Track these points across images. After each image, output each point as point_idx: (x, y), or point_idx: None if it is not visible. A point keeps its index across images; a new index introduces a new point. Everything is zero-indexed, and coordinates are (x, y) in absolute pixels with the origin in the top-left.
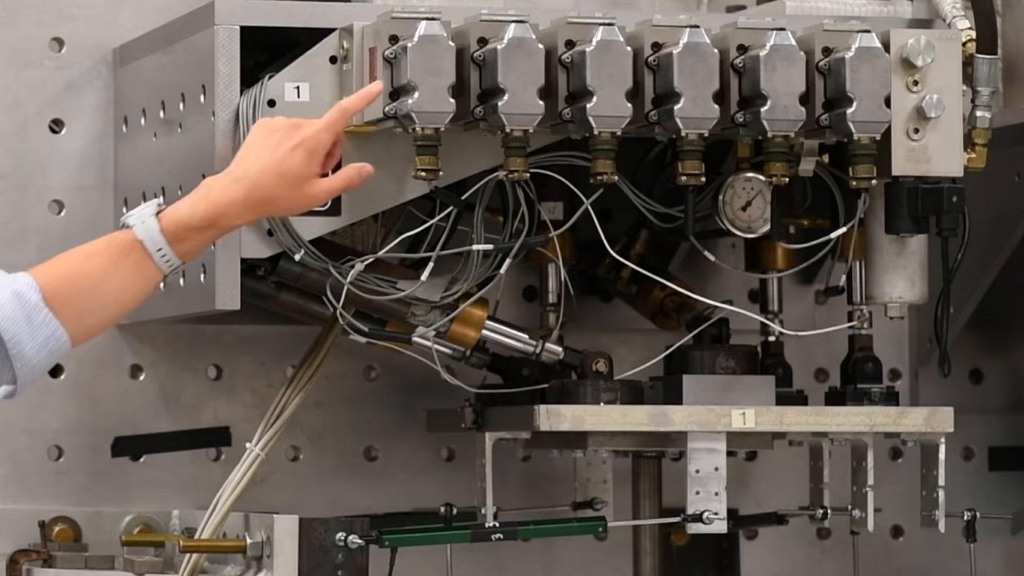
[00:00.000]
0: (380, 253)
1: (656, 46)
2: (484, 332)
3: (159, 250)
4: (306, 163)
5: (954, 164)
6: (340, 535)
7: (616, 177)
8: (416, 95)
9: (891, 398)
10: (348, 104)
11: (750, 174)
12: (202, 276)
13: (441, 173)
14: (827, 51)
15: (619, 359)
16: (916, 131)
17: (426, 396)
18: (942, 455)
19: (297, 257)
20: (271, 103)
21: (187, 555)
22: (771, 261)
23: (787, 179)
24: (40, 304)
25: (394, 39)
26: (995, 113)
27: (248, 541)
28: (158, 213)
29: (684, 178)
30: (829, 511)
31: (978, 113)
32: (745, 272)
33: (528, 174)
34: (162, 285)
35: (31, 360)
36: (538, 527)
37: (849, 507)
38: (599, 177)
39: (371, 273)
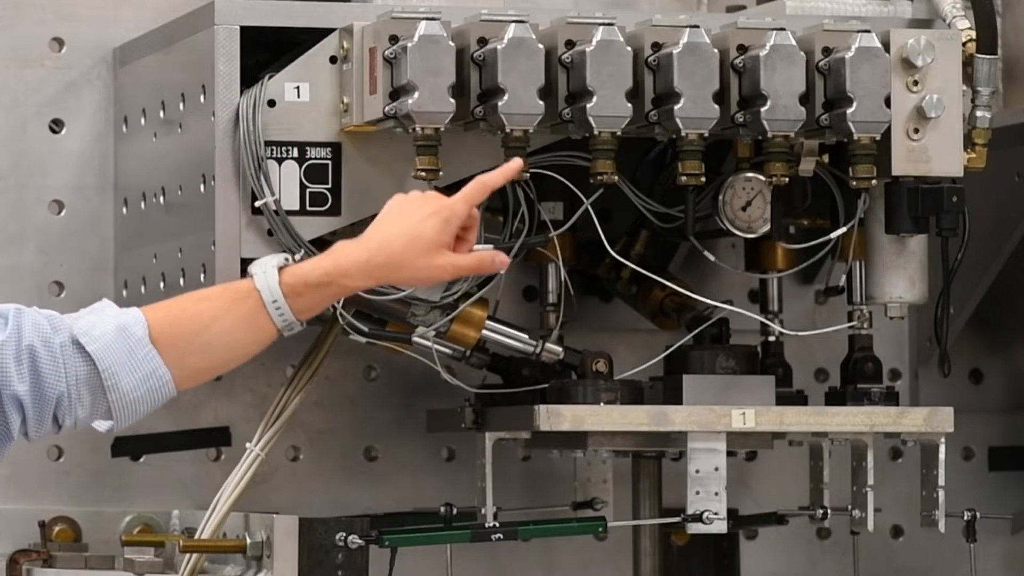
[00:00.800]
0: None
1: (656, 46)
2: (484, 332)
3: (274, 302)
4: (439, 230)
5: (954, 164)
6: (340, 535)
7: (616, 177)
8: (416, 95)
9: (891, 398)
10: (488, 179)
11: (750, 174)
12: (202, 276)
13: (441, 173)
14: (827, 51)
15: (619, 359)
16: (916, 131)
17: (426, 396)
18: (942, 455)
19: (297, 257)
20: (271, 103)
21: (187, 555)
22: (771, 261)
23: (787, 179)
24: (144, 340)
25: (394, 39)
26: (995, 113)
27: (248, 541)
28: (283, 267)
29: (684, 178)
30: (829, 511)
31: (978, 113)
32: (745, 272)
33: (528, 174)
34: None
35: (128, 394)
36: (538, 527)
37: (849, 507)
38: (599, 177)
39: None
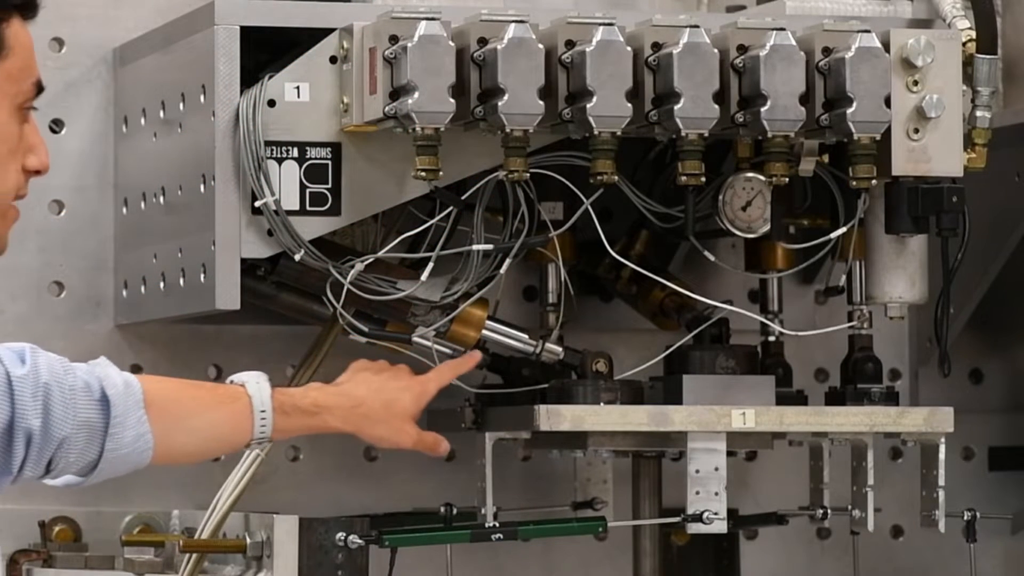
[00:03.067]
0: (380, 253)
1: (656, 46)
2: (484, 332)
3: (262, 411)
4: (412, 403)
5: (954, 164)
6: (340, 535)
7: (616, 177)
8: (416, 95)
9: (891, 398)
10: (456, 364)
11: (750, 174)
12: (202, 276)
13: (441, 173)
14: (827, 51)
15: (619, 359)
16: (916, 131)
17: None
18: (942, 455)
19: (297, 257)
20: (271, 103)
21: (187, 555)
22: (771, 261)
23: (787, 179)
24: (140, 402)
25: (394, 39)
26: (995, 113)
27: (248, 541)
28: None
29: (684, 178)
30: (829, 511)
31: (978, 113)
32: (745, 272)
33: (528, 174)
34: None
35: (122, 450)
36: (538, 527)
37: (849, 507)
38: (599, 177)
39: (371, 273)
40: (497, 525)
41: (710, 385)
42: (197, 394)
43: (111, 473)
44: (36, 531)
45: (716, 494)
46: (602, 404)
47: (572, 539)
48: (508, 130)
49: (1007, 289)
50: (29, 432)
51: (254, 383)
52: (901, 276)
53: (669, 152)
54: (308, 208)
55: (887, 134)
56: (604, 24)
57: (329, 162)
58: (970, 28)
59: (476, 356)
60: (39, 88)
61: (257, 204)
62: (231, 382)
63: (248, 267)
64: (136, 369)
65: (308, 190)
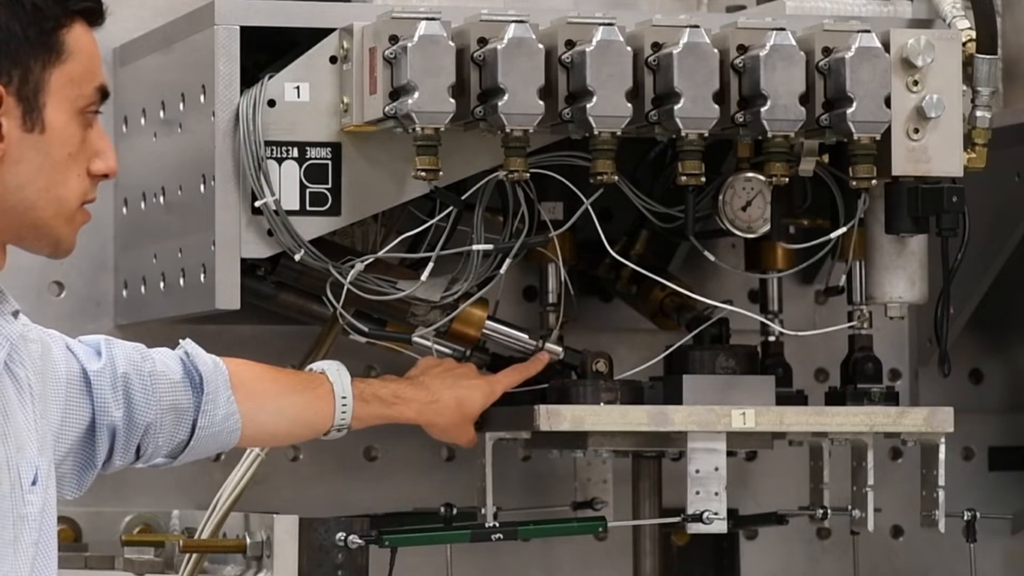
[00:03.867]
0: (380, 253)
1: (656, 46)
2: (484, 332)
3: (343, 398)
4: (482, 400)
5: (954, 164)
6: (340, 535)
7: (616, 177)
8: (416, 95)
9: (891, 398)
10: (525, 368)
11: (750, 174)
12: (202, 276)
13: (441, 173)
14: (827, 51)
15: (619, 359)
16: (916, 131)
17: None
18: (942, 455)
19: (297, 257)
20: (271, 103)
21: (187, 555)
22: (771, 261)
23: (787, 179)
24: (228, 382)
25: (394, 39)
26: (995, 113)
27: (248, 541)
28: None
29: (684, 178)
30: (829, 511)
31: (978, 113)
32: (745, 272)
33: (528, 174)
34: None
35: (215, 427)
36: (538, 527)
37: (849, 507)
38: (599, 177)
39: (371, 273)
40: (497, 525)
41: (710, 385)
42: (280, 377)
43: (201, 453)
44: None
45: (716, 494)
46: (602, 404)
47: (572, 539)
48: (508, 130)
49: (1007, 289)
50: (113, 426)
51: (335, 370)
52: (901, 276)
53: (669, 152)
54: (308, 208)
55: (887, 134)
56: (604, 24)
57: (329, 162)
58: (970, 28)
59: (544, 358)
60: (104, 93)
61: (257, 204)
62: (311, 370)
63: (248, 267)
64: None
65: (308, 190)
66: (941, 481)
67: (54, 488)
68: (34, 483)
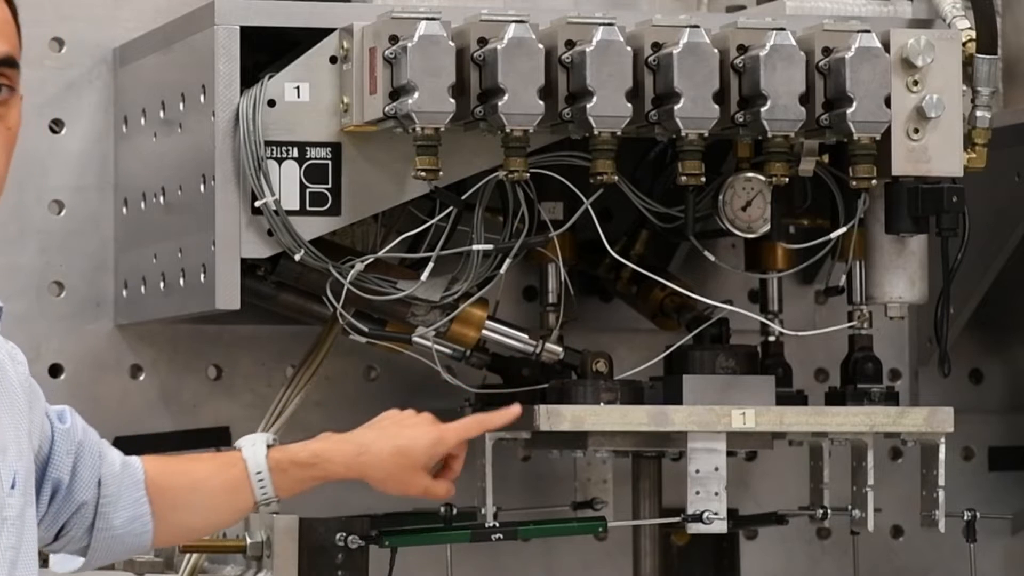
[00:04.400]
0: (380, 253)
1: (656, 46)
2: (484, 332)
3: (258, 473)
4: (427, 447)
5: (954, 164)
6: (340, 535)
7: (616, 177)
8: (416, 95)
9: (891, 398)
10: (487, 419)
11: (750, 174)
12: (202, 276)
13: (441, 173)
14: (827, 51)
15: (619, 359)
16: (916, 131)
17: (426, 396)
18: (942, 455)
19: (297, 257)
20: (271, 103)
21: (187, 555)
22: (771, 261)
23: (787, 179)
24: (141, 483)
25: (394, 39)
26: (995, 113)
27: (248, 541)
28: (271, 445)
29: (684, 178)
30: (829, 511)
31: (978, 113)
32: (745, 272)
33: (528, 174)
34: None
35: (115, 531)
36: (538, 527)
37: (849, 507)
38: (599, 177)
39: (371, 273)
40: (497, 525)
41: (710, 385)
42: (195, 467)
43: (107, 555)
44: None
45: (716, 494)
46: (602, 404)
47: (572, 539)
48: (508, 130)
49: (1007, 289)
50: (57, 484)
51: (249, 446)
52: (901, 276)
53: (669, 152)
54: (308, 208)
55: (887, 134)
56: (604, 24)
57: (329, 162)
58: (970, 28)
59: (516, 411)
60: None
61: (257, 204)
62: (235, 446)
63: (248, 267)
64: (136, 369)
65: (308, 190)
66: (941, 481)
67: (33, 492)
68: (13, 487)
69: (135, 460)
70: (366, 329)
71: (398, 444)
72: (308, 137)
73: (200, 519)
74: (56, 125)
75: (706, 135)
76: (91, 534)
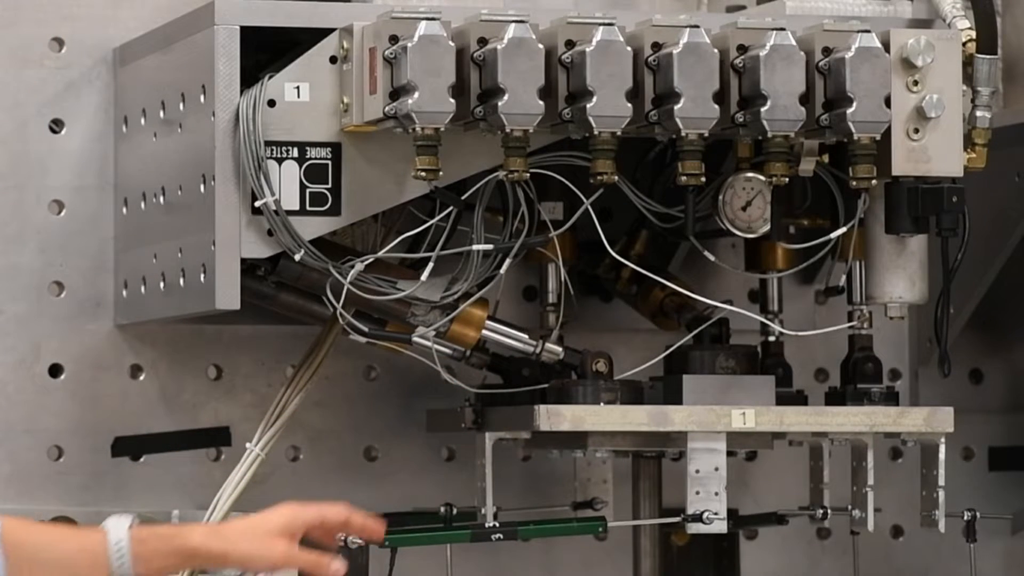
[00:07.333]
0: (380, 253)
1: (656, 46)
2: (484, 332)
3: (118, 542)
4: (279, 518)
5: (954, 164)
6: (340, 535)
7: (616, 177)
8: (416, 95)
9: (891, 398)
10: (352, 516)
11: (750, 174)
12: (202, 276)
13: (441, 173)
14: (827, 51)
15: (619, 359)
16: (916, 131)
17: (426, 396)
18: (942, 455)
19: (297, 257)
20: (271, 103)
21: None
22: (771, 261)
23: (787, 179)
24: None
25: (394, 39)
26: (995, 113)
27: None
28: (137, 523)
29: (684, 178)
30: (829, 511)
31: (978, 113)
32: (745, 272)
33: (528, 174)
34: None
35: None
36: (538, 527)
37: (849, 507)
38: (599, 177)
39: (371, 273)
40: (497, 525)
41: (710, 385)
42: (55, 530)
43: None
44: None
45: (716, 494)
46: (602, 404)
47: (572, 539)
48: (508, 130)
49: (1007, 289)
50: None
51: (115, 520)
52: (901, 276)
53: (669, 152)
54: (308, 208)
55: (887, 134)
56: (604, 24)
57: (329, 162)
58: (970, 28)
59: (380, 531)
60: None
61: (257, 204)
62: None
63: (248, 267)
64: (136, 369)
65: (308, 190)
66: (941, 481)
67: None
68: None
69: None
70: (366, 329)
71: (251, 520)
72: (308, 137)
73: None
74: (56, 125)
75: (706, 135)
76: None
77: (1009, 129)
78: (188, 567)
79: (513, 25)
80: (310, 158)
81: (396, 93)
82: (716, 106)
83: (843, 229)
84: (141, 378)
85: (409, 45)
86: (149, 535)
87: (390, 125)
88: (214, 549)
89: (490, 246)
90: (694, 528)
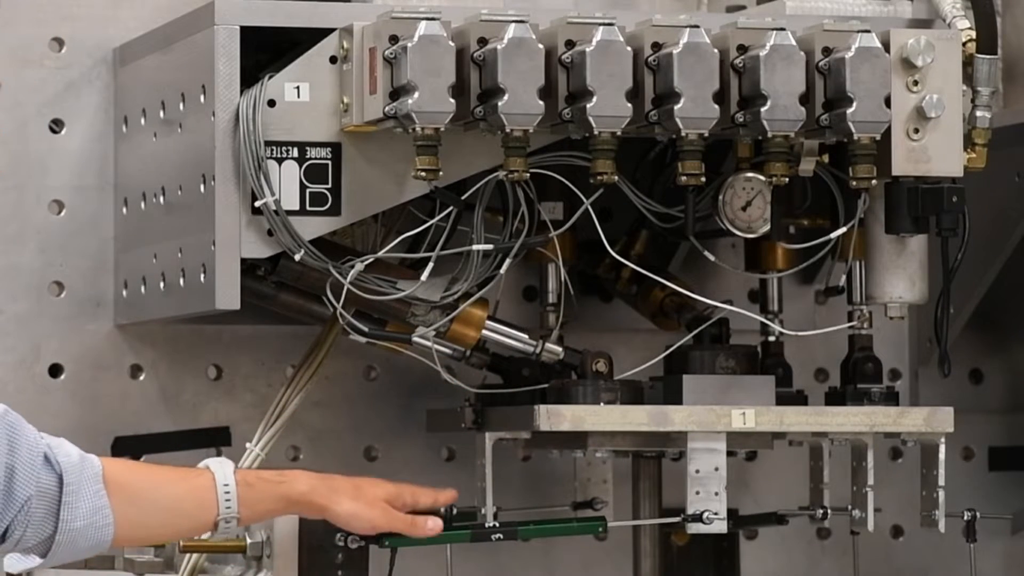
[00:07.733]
0: (380, 253)
1: (656, 46)
2: (484, 332)
3: (225, 485)
4: (384, 491)
5: (954, 164)
6: (340, 535)
7: (616, 177)
8: (416, 95)
9: (891, 398)
10: (440, 496)
11: (750, 174)
12: (202, 276)
13: (441, 173)
14: (827, 51)
15: (619, 359)
16: (916, 131)
17: (426, 396)
18: (942, 455)
19: (297, 257)
20: (271, 103)
21: (187, 555)
22: (771, 261)
23: (787, 179)
24: (99, 476)
25: (394, 39)
26: (995, 113)
27: (248, 541)
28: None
29: (684, 178)
30: (829, 511)
31: (978, 113)
32: (745, 272)
33: (528, 174)
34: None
35: (76, 523)
36: (538, 527)
37: (849, 507)
38: (599, 177)
39: (371, 273)
40: (497, 525)
41: (710, 385)
42: (156, 470)
43: (71, 552)
44: None
45: (716, 494)
46: (602, 404)
47: (572, 539)
48: (508, 130)
49: (1007, 289)
50: None
51: (217, 463)
52: (901, 276)
53: (669, 152)
54: (308, 208)
55: (887, 134)
56: (604, 24)
57: (329, 162)
58: (970, 28)
59: (451, 494)
60: None
61: (257, 204)
62: (200, 465)
63: (248, 267)
64: (136, 369)
65: (308, 190)
66: (941, 481)
67: None
68: None
69: (92, 456)
70: (366, 329)
71: (358, 482)
72: (308, 137)
73: (158, 520)
74: (56, 125)
75: (706, 135)
76: (56, 528)
77: (1009, 129)
78: (290, 513)
79: (513, 25)
80: (310, 158)
81: (396, 93)
82: (716, 106)
83: (843, 229)
84: (141, 378)
85: (409, 45)
86: (256, 479)
87: (390, 125)
88: (317, 501)
89: (490, 246)
90: (694, 528)
